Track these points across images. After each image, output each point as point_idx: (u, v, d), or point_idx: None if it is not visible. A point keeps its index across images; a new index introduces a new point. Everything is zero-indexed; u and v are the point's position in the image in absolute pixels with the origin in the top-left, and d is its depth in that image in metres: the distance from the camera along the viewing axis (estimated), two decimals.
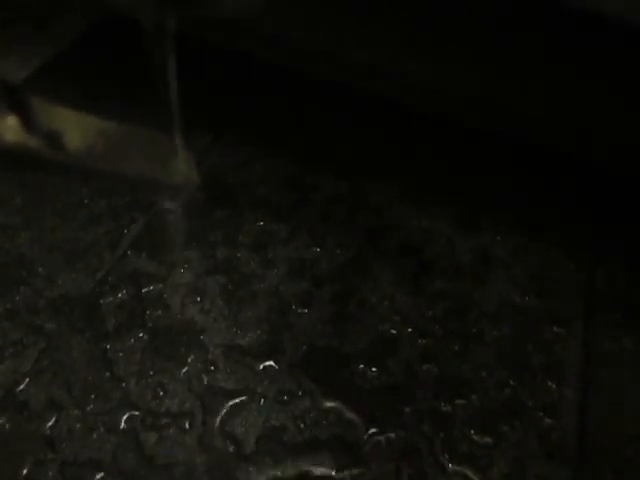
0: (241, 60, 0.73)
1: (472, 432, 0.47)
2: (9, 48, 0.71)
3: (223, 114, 0.69)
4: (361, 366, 0.50)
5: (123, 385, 0.48)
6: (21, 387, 0.47)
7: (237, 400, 0.48)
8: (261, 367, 0.50)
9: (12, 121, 0.25)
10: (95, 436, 0.45)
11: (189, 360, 0.50)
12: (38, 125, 0.24)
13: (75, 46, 0.74)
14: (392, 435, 0.46)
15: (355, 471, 0.44)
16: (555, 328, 0.53)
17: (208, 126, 0.67)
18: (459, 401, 0.48)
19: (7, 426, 0.45)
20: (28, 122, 0.24)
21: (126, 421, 0.46)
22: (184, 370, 0.49)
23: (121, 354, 0.49)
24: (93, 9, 0.77)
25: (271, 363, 0.50)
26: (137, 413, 0.46)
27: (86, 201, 0.60)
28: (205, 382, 0.48)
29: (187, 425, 0.46)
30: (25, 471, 0.43)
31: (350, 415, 0.47)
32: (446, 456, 0.45)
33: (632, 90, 0.56)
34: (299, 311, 0.53)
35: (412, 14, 0.59)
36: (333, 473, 0.44)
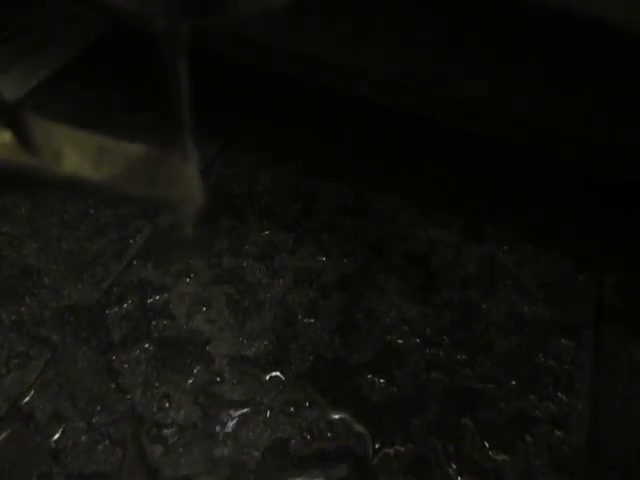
0: (246, 71, 0.73)
1: (481, 444, 0.46)
2: (8, 64, 0.71)
3: (228, 125, 0.69)
4: (368, 377, 0.49)
5: (128, 397, 0.47)
6: (26, 399, 0.47)
7: (243, 411, 0.47)
8: (267, 378, 0.49)
9: (7, 138, 0.24)
10: (100, 448, 0.45)
11: (195, 371, 0.49)
12: (35, 144, 0.24)
13: (76, 62, 0.75)
14: (401, 448, 0.46)
15: None
16: (564, 339, 0.52)
17: (214, 137, 0.67)
18: (468, 413, 0.48)
19: (12, 439, 0.45)
20: (24, 140, 0.23)
21: (131, 433, 0.46)
22: (190, 381, 0.49)
23: (126, 365, 0.49)
24: (99, 21, 0.77)
25: (277, 374, 0.49)
26: (143, 425, 0.46)
27: (92, 211, 0.60)
28: (211, 393, 0.48)
29: (193, 437, 0.46)
30: None
31: (358, 427, 0.47)
32: (455, 469, 0.45)
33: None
34: (305, 321, 0.53)
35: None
36: None
